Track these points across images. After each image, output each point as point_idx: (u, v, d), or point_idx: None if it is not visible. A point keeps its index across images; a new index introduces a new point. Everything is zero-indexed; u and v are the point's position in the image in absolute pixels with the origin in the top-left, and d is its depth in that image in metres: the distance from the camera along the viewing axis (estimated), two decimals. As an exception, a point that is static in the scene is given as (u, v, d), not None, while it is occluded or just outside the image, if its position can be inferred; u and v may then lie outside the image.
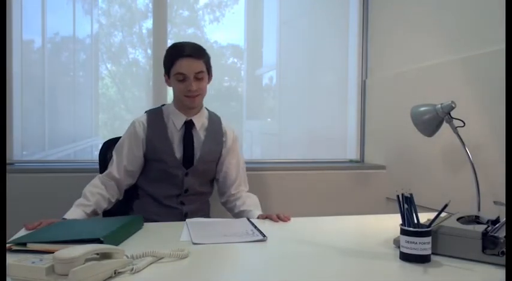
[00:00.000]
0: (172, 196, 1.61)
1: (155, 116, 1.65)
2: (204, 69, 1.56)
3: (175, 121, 1.62)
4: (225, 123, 1.72)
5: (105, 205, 1.55)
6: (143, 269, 0.91)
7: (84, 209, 1.46)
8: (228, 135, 1.70)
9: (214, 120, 1.70)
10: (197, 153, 1.61)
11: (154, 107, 1.75)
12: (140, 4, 2.39)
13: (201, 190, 1.67)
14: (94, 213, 1.49)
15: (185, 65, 1.52)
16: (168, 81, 1.61)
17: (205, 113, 1.69)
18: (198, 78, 1.54)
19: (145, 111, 1.70)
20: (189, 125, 1.62)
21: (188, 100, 1.57)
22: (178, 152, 1.60)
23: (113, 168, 1.59)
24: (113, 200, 1.59)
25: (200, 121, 1.64)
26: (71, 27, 2.34)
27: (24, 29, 2.22)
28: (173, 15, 2.44)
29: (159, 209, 1.59)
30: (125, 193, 1.64)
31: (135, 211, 1.64)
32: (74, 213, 1.42)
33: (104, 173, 1.60)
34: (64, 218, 1.37)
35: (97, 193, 1.52)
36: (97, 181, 1.57)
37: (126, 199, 1.66)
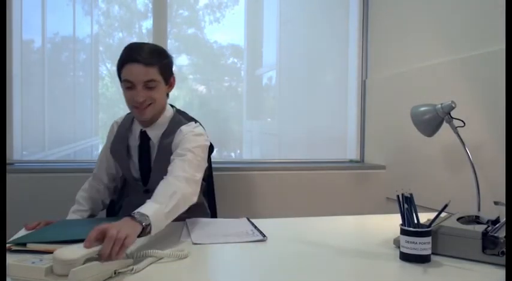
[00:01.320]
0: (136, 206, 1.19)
1: (126, 121, 1.52)
2: (158, 77, 1.34)
3: (134, 130, 1.47)
4: (184, 127, 1.42)
5: (100, 207, 1.55)
6: (143, 269, 0.91)
7: (82, 214, 1.46)
8: (177, 136, 1.39)
9: (171, 129, 1.43)
10: (152, 167, 1.43)
11: None
12: (140, 4, 2.39)
13: None
14: (92, 217, 1.50)
15: (133, 72, 1.31)
16: (121, 86, 1.40)
17: (164, 123, 1.44)
18: (148, 87, 1.33)
19: (127, 113, 1.57)
20: (143, 137, 1.45)
21: (136, 111, 1.37)
22: (135, 167, 1.47)
23: (98, 171, 1.57)
24: (107, 202, 1.59)
25: (157, 133, 1.43)
26: (71, 27, 2.34)
27: (24, 29, 2.22)
28: (173, 15, 2.44)
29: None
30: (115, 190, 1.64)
31: (123, 210, 1.61)
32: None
33: (92, 175, 1.58)
34: None
35: (89, 197, 1.52)
36: (87, 185, 1.56)
37: (119, 196, 1.67)
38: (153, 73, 1.33)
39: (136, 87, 1.33)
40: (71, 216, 1.45)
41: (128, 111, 1.58)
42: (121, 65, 1.36)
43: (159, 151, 1.42)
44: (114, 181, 1.60)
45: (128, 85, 1.34)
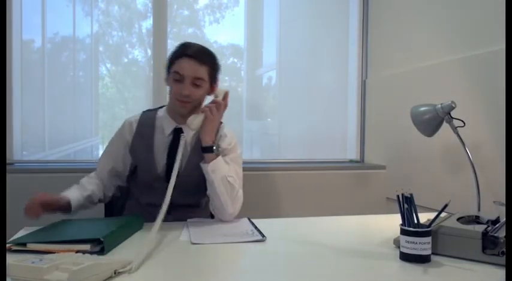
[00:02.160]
0: (157, 206, 1.28)
1: (147, 119, 1.54)
2: (206, 77, 1.42)
3: (165, 126, 1.50)
4: (227, 130, 1.53)
5: (100, 195, 1.51)
6: (143, 269, 0.91)
7: (82, 192, 1.44)
8: (222, 138, 1.50)
9: None
10: (182, 165, 1.45)
11: (153, 108, 1.64)
12: (140, 4, 2.39)
13: (190, 202, 1.53)
14: (89, 200, 1.46)
15: (185, 66, 1.40)
16: (167, 80, 1.49)
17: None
18: (195, 84, 1.41)
19: (144, 111, 1.60)
20: (177, 133, 1.47)
21: (179, 105, 1.44)
22: (161, 163, 1.47)
23: (101, 168, 1.55)
24: (109, 194, 1.56)
25: (192, 130, 1.46)
26: (71, 27, 2.34)
27: (24, 29, 2.22)
28: (173, 14, 2.44)
29: (145, 215, 1.41)
30: (121, 189, 1.61)
31: (127, 211, 1.60)
32: (71, 192, 1.41)
33: (97, 170, 1.55)
34: (62, 198, 1.37)
35: (94, 183, 1.50)
36: (93, 174, 1.55)
37: (123, 197, 1.64)
38: (203, 72, 1.42)
39: (184, 81, 1.40)
40: (72, 190, 1.43)
41: (144, 109, 1.62)
42: (175, 58, 1.43)
43: (193, 148, 1.47)
44: (119, 178, 1.57)
45: (176, 77, 1.41)
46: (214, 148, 1.40)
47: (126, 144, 1.53)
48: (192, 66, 1.40)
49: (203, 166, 1.39)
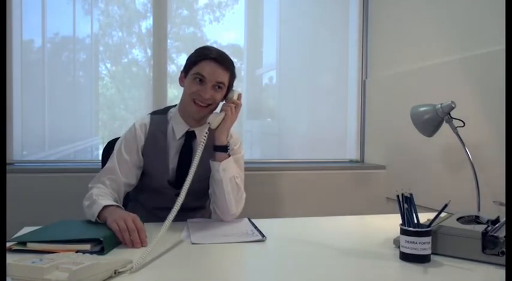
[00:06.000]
0: (163, 208, 1.28)
1: (159, 123, 1.48)
2: (226, 82, 1.41)
3: (176, 129, 1.45)
4: (233, 132, 1.50)
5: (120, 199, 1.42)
6: (142, 267, 0.91)
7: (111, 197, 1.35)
8: (229, 141, 1.46)
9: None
10: (192, 170, 1.37)
11: (159, 109, 1.57)
12: (139, 4, 2.40)
13: (197, 205, 1.53)
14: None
15: (210, 69, 1.37)
16: (182, 80, 1.45)
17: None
18: (216, 88, 1.39)
19: (150, 114, 1.52)
20: (189, 136, 1.45)
21: (195, 108, 1.40)
22: (171, 168, 1.44)
23: (118, 176, 1.41)
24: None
25: (203, 132, 1.39)
26: (71, 27, 2.34)
27: (24, 29, 2.22)
28: (173, 14, 2.44)
29: (152, 218, 1.37)
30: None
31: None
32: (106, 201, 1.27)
33: (106, 181, 1.40)
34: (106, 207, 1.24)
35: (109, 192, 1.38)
36: (104, 187, 1.39)
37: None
38: (225, 77, 1.41)
39: (205, 84, 1.38)
40: (105, 199, 1.28)
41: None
42: (196, 60, 1.40)
43: (204, 150, 1.38)
44: (129, 187, 1.47)
45: (198, 79, 1.39)
46: (228, 147, 1.41)
47: (138, 149, 1.45)
48: (216, 70, 1.38)
49: (214, 163, 1.38)
